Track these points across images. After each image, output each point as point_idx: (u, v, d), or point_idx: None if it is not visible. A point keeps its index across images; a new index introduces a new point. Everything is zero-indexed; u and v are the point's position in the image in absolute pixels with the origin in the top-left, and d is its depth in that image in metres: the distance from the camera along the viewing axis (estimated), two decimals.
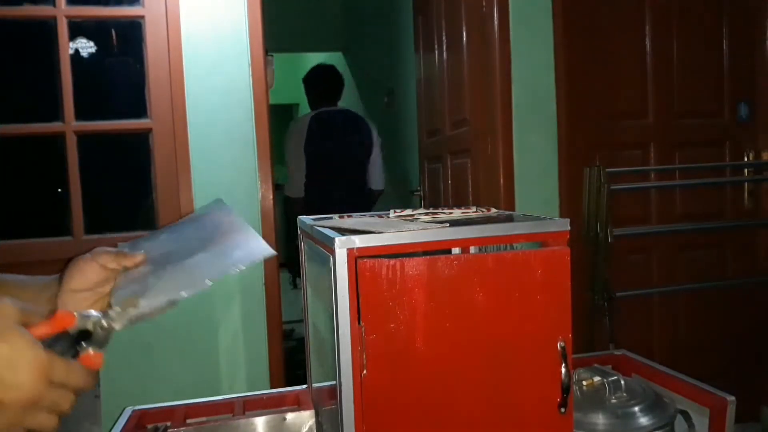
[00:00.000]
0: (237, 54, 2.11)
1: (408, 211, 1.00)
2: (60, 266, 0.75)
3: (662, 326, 2.53)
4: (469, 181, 2.55)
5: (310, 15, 5.80)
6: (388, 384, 0.78)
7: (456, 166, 2.70)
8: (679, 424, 1.03)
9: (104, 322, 0.60)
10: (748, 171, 2.69)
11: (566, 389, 0.81)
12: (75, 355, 0.58)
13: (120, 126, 2.12)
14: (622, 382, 1.06)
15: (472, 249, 0.86)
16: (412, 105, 3.57)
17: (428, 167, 3.11)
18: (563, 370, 0.81)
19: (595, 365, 1.18)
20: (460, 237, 0.82)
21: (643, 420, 0.99)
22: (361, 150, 3.16)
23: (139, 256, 0.75)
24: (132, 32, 2.12)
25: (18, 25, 2.10)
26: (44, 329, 0.56)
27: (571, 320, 0.82)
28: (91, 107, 2.12)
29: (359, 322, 0.76)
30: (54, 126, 2.08)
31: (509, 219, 0.92)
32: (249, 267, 0.69)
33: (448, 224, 0.84)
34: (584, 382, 1.08)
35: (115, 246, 0.77)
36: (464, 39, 2.50)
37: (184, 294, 0.66)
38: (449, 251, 0.83)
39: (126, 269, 0.74)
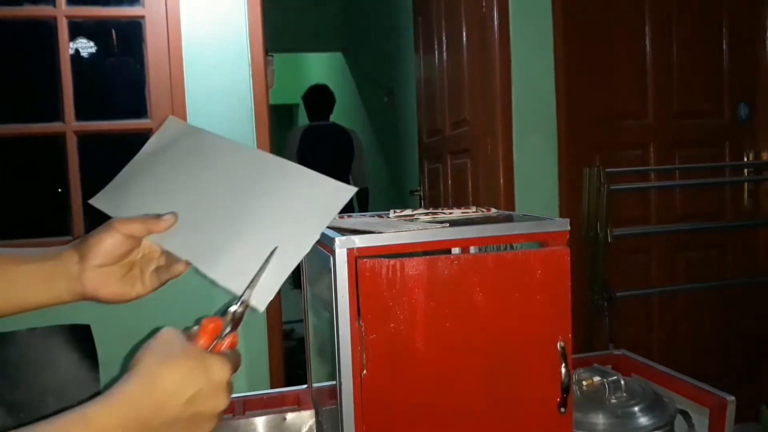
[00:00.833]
0: (237, 54, 2.11)
1: (408, 211, 1.00)
2: None
3: (662, 326, 2.53)
4: (469, 181, 2.55)
5: (310, 15, 5.80)
6: (388, 384, 0.78)
7: (456, 166, 2.70)
8: (679, 424, 1.03)
9: (240, 310, 0.60)
10: (747, 171, 2.69)
11: (566, 389, 0.81)
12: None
13: (120, 126, 2.12)
14: (622, 382, 1.06)
15: (472, 249, 0.86)
16: (412, 105, 3.58)
17: (428, 167, 3.12)
18: (563, 370, 0.81)
19: (595, 365, 1.18)
20: (460, 237, 0.82)
21: (643, 420, 0.99)
22: (344, 155, 3.88)
23: (169, 219, 0.70)
24: (132, 32, 2.12)
25: (18, 25, 2.10)
26: (204, 342, 0.57)
27: (571, 320, 0.82)
28: (91, 107, 2.12)
29: (359, 322, 0.76)
30: (54, 126, 2.08)
31: (509, 219, 0.92)
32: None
33: (448, 224, 0.84)
34: (584, 382, 1.08)
35: None
36: (464, 39, 2.50)
37: (304, 249, 0.64)
38: (449, 251, 0.83)
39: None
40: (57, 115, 2.07)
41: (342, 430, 0.77)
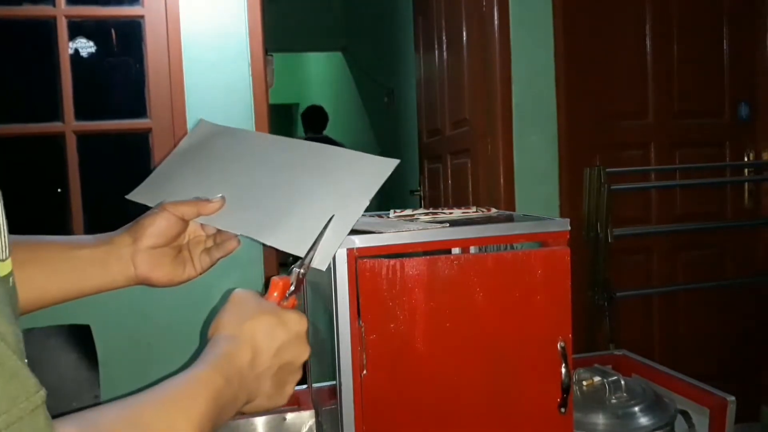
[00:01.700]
0: (237, 54, 2.11)
1: (408, 211, 1.00)
2: None
3: (662, 326, 2.53)
4: (469, 181, 2.55)
5: (310, 15, 5.80)
6: (388, 384, 0.78)
7: (456, 166, 2.70)
8: (679, 424, 1.03)
9: (304, 271, 0.65)
10: (748, 171, 2.69)
11: (566, 389, 0.81)
12: None
13: (120, 126, 2.12)
14: (622, 382, 1.06)
15: (472, 249, 0.86)
16: (412, 105, 3.58)
17: (428, 167, 3.12)
18: (563, 370, 0.81)
19: (595, 365, 1.17)
20: (460, 237, 0.81)
21: (643, 420, 0.99)
22: None
23: (218, 201, 0.73)
24: (132, 32, 2.12)
25: (18, 25, 2.10)
26: (277, 296, 0.63)
27: (571, 320, 0.82)
28: (91, 107, 2.12)
29: (359, 322, 0.76)
30: (54, 126, 2.08)
31: (509, 219, 0.92)
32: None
33: (448, 224, 0.84)
34: (584, 382, 1.08)
35: None
36: (464, 39, 2.50)
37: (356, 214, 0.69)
38: (449, 251, 0.83)
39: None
40: (57, 115, 2.07)
41: (342, 430, 0.77)
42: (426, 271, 0.78)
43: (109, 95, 2.20)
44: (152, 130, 2.08)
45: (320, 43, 6.04)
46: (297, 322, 0.61)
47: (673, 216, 2.54)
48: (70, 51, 2.08)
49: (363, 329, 0.76)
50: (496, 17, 2.32)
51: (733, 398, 1.03)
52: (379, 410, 0.78)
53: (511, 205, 2.34)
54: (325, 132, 4.86)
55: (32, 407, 0.34)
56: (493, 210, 1.03)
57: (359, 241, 0.76)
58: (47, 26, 2.05)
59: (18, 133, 2.09)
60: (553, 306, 0.82)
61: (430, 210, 0.99)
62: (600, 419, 0.99)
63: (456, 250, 0.84)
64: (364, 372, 0.76)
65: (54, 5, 2.03)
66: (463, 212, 0.98)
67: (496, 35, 2.33)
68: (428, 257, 0.78)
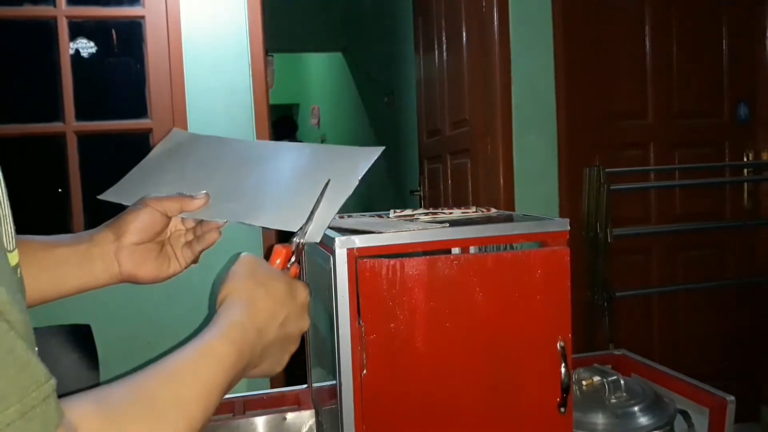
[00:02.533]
0: (237, 54, 2.11)
1: (408, 211, 1.00)
2: None
3: (662, 326, 2.53)
4: (469, 181, 2.55)
5: (310, 15, 5.79)
6: (388, 384, 0.78)
7: (456, 166, 2.71)
8: (679, 423, 1.03)
9: (303, 241, 0.66)
10: (747, 171, 2.69)
11: (566, 389, 0.81)
12: None
13: (120, 126, 2.12)
14: (622, 381, 1.06)
15: (472, 249, 0.86)
16: (412, 105, 3.58)
17: (428, 167, 3.12)
18: (563, 369, 0.81)
19: (595, 365, 1.18)
20: (460, 237, 0.82)
21: (643, 420, 0.99)
22: None
23: (201, 198, 0.72)
24: (132, 32, 2.12)
25: (18, 25, 2.10)
26: (280, 264, 0.63)
27: (570, 320, 0.82)
28: (91, 107, 2.12)
29: (359, 322, 0.76)
30: (54, 126, 2.08)
31: (509, 219, 0.92)
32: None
33: (448, 224, 0.84)
34: (584, 382, 1.08)
35: None
36: (464, 39, 2.50)
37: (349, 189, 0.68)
38: (449, 251, 0.83)
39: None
40: (57, 115, 2.08)
41: (342, 430, 0.77)
42: (426, 271, 0.78)
43: (110, 95, 2.20)
44: (153, 130, 2.08)
45: (320, 43, 6.03)
46: (302, 292, 0.62)
47: (672, 216, 2.54)
48: (71, 51, 2.08)
49: (363, 329, 0.76)
50: (496, 17, 2.32)
51: (732, 398, 1.03)
52: (379, 410, 0.78)
53: (510, 205, 2.35)
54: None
55: (43, 396, 0.34)
56: (493, 210, 1.03)
57: (359, 241, 0.76)
58: (48, 26, 2.06)
59: (19, 134, 2.09)
60: (552, 306, 0.82)
61: (430, 210, 0.99)
62: (599, 419, 0.99)
63: (456, 250, 0.84)
64: (364, 372, 0.77)
65: (54, 5, 2.04)
66: (463, 212, 0.99)
67: (496, 35, 2.33)
68: (428, 257, 0.78)
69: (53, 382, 0.35)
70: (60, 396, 0.38)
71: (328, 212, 0.67)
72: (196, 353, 0.51)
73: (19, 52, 2.13)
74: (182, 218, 0.75)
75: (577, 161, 2.39)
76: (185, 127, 2.07)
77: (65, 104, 2.06)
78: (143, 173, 0.83)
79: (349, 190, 0.68)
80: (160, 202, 0.71)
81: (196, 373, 0.49)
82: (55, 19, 2.04)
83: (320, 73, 7.24)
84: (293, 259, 0.64)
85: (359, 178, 0.69)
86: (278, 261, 0.63)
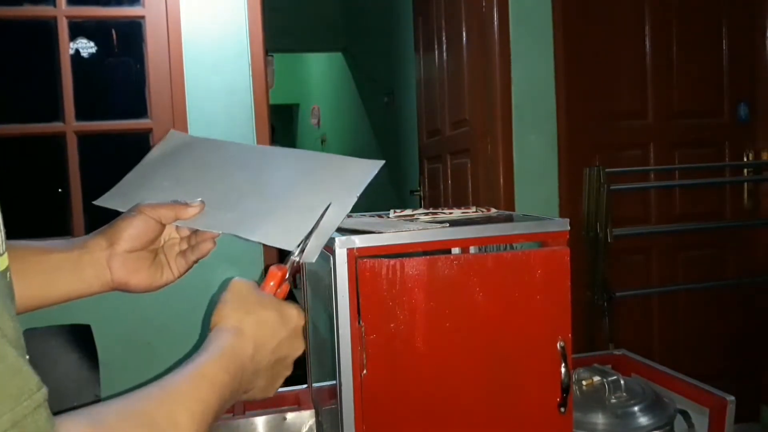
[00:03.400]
0: (237, 54, 2.11)
1: (408, 211, 1.00)
2: None
3: (662, 326, 2.53)
4: (469, 181, 2.55)
5: (310, 15, 5.80)
6: (388, 384, 0.78)
7: (456, 166, 2.71)
8: (679, 423, 1.03)
9: (298, 260, 0.65)
10: (747, 171, 2.69)
11: (566, 389, 0.81)
12: None
13: (120, 126, 2.12)
14: (622, 381, 1.06)
15: (472, 249, 0.86)
16: (412, 105, 3.58)
17: (428, 167, 3.12)
18: (563, 369, 0.81)
19: (595, 365, 1.17)
20: (460, 237, 0.82)
21: (643, 420, 0.99)
22: None
23: (196, 206, 0.71)
24: (132, 32, 2.12)
25: (18, 25, 2.11)
26: (273, 287, 0.63)
27: (570, 320, 0.82)
28: (91, 107, 2.12)
29: (359, 322, 0.76)
30: (54, 126, 2.08)
31: (509, 219, 0.92)
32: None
33: (448, 224, 0.84)
34: (584, 382, 1.08)
35: None
36: (464, 39, 2.50)
37: (347, 207, 0.68)
38: (449, 251, 0.83)
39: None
40: (57, 115, 2.08)
41: (342, 429, 0.77)
42: (426, 271, 0.78)
43: (110, 95, 2.20)
44: (153, 130, 2.08)
45: (320, 43, 6.04)
46: (296, 318, 0.61)
47: (672, 216, 2.54)
48: (71, 51, 2.08)
49: (363, 329, 0.76)
50: (496, 17, 2.33)
51: (732, 398, 1.03)
52: (379, 410, 0.78)
53: (510, 205, 2.35)
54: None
55: (35, 405, 0.34)
56: (493, 210, 1.03)
57: (359, 241, 0.76)
58: (48, 26, 2.06)
59: (19, 134, 2.09)
60: (552, 306, 0.82)
61: (430, 210, 0.99)
62: (599, 419, 0.99)
63: (456, 250, 0.84)
64: (364, 372, 0.77)
65: (54, 5, 2.04)
66: (463, 212, 0.99)
67: (496, 35, 2.33)
68: (428, 257, 0.78)
69: (45, 390, 0.35)
70: (59, 397, 0.38)
71: (325, 233, 0.67)
72: (190, 375, 0.51)
73: (19, 52, 2.14)
74: (177, 227, 0.73)
75: (577, 161, 2.39)
76: (185, 127, 2.07)
77: (65, 104, 2.06)
78: (141, 176, 0.82)
79: (347, 210, 0.68)
80: (155, 209, 0.69)
81: (190, 394, 0.50)
82: (55, 19, 2.04)
83: (320, 73, 7.24)
84: (287, 278, 0.64)
85: (358, 196, 0.69)
86: (272, 284, 0.63)
